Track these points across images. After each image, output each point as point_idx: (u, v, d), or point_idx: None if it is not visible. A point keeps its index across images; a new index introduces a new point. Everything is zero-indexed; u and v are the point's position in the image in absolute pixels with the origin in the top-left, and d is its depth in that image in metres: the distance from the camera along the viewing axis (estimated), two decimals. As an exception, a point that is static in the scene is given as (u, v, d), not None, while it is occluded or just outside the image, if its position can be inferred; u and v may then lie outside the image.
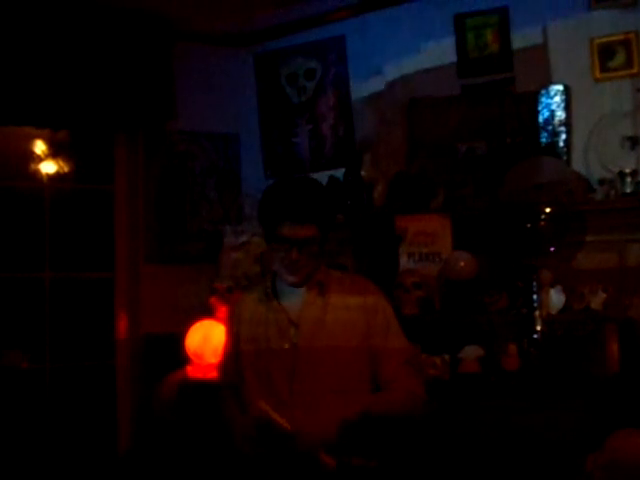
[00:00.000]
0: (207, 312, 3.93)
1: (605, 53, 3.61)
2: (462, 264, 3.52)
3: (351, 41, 4.28)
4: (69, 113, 4.06)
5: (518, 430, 2.96)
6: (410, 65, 4.06)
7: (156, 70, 4.27)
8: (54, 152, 4.34)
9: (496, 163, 3.74)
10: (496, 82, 3.87)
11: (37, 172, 4.32)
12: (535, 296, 3.27)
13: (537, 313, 3.25)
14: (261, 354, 2.46)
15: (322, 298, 2.48)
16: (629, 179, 3.40)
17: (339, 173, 4.07)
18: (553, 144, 3.69)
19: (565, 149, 3.68)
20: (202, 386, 3.59)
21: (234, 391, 2.55)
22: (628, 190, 3.40)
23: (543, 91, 3.72)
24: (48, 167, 4.34)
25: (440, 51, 4.00)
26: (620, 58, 3.58)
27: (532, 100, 3.73)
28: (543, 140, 3.70)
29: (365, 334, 2.45)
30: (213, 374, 3.53)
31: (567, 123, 3.69)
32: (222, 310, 3.78)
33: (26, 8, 3.94)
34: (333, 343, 2.41)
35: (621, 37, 3.57)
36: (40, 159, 4.32)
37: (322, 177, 4.06)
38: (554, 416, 2.94)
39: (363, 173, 3.90)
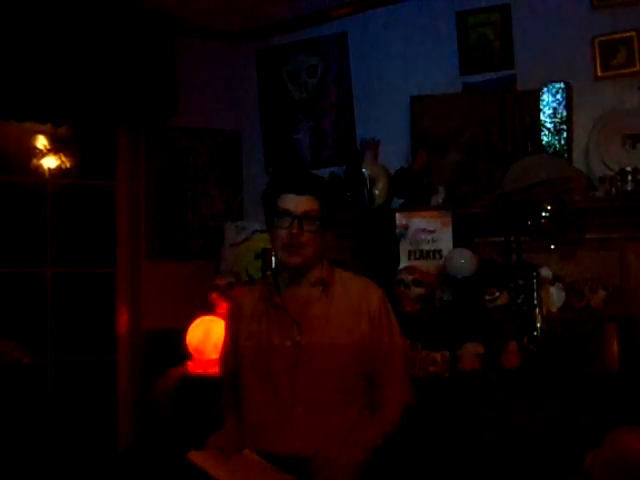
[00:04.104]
0: (208, 308, 3.93)
1: (607, 51, 3.61)
2: (462, 261, 3.52)
3: (353, 38, 4.28)
4: (71, 108, 4.05)
5: (517, 427, 2.96)
6: (412, 62, 4.07)
7: (158, 66, 4.27)
8: (56, 147, 4.34)
9: (497, 160, 3.74)
10: (497, 80, 3.87)
11: (39, 167, 4.33)
12: (535, 294, 3.27)
13: (537, 311, 3.25)
14: (262, 351, 2.46)
15: (325, 296, 2.48)
16: (630, 177, 3.40)
17: (340, 170, 4.08)
18: (554, 142, 3.69)
19: (566, 147, 3.68)
20: (202, 382, 3.59)
21: (233, 388, 2.55)
22: (629, 188, 3.40)
23: (545, 89, 3.72)
24: (50, 162, 4.34)
25: (442, 48, 4.00)
26: (621, 56, 3.59)
27: (534, 98, 3.73)
28: (544, 138, 3.70)
29: (367, 334, 2.46)
30: (214, 370, 3.54)
31: (568, 121, 3.69)
32: (223, 306, 3.79)
33: (27, 2, 3.94)
34: (336, 342, 2.42)
35: (622, 35, 3.58)
36: (42, 154, 4.32)
37: (323, 173, 4.07)
38: (553, 414, 2.94)
39: (364, 170, 3.90)
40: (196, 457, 2.30)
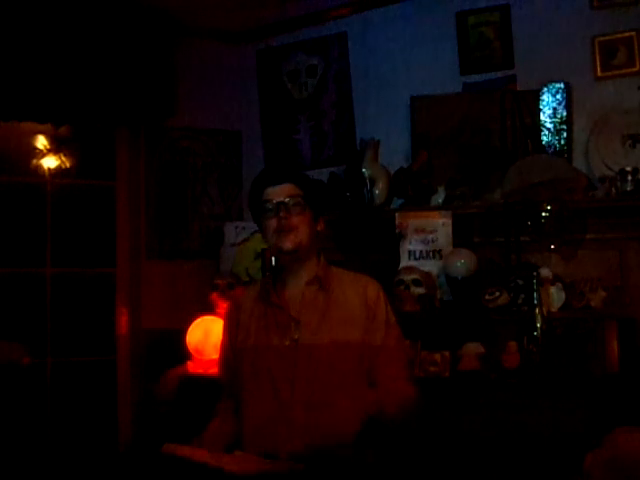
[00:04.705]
0: (208, 308, 3.93)
1: (607, 51, 3.62)
2: (462, 261, 3.52)
3: (353, 38, 4.28)
4: (71, 109, 4.06)
5: (517, 428, 2.96)
6: (412, 62, 4.07)
7: (158, 66, 4.27)
8: (56, 147, 4.34)
9: (497, 160, 3.74)
10: (497, 80, 3.87)
11: (39, 167, 4.33)
12: (535, 294, 3.27)
13: (537, 311, 3.25)
14: (261, 351, 2.45)
15: (323, 294, 2.47)
16: (630, 177, 3.40)
17: (340, 170, 4.08)
18: (554, 142, 3.69)
19: (566, 147, 3.69)
20: (202, 382, 3.59)
21: (233, 394, 2.55)
22: (629, 188, 3.40)
23: (544, 89, 3.72)
24: (50, 162, 4.34)
25: (442, 48, 4.00)
26: (622, 56, 3.59)
27: (533, 98, 3.73)
28: (544, 138, 3.71)
29: (365, 331, 2.45)
30: (214, 370, 3.54)
31: (568, 121, 3.69)
32: (223, 306, 3.79)
33: (28, 3, 3.94)
34: (335, 339, 2.41)
35: (622, 35, 3.58)
36: (42, 154, 4.32)
37: (323, 174, 4.08)
38: (553, 414, 2.94)
39: (364, 170, 3.90)
40: (173, 449, 2.27)
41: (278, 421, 2.37)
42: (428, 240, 3.67)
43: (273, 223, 2.44)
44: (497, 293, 3.41)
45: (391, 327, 2.51)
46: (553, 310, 3.35)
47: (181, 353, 3.85)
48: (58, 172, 4.36)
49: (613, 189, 3.45)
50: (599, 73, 3.65)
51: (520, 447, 2.91)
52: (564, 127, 3.69)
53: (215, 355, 3.52)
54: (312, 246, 2.50)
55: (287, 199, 2.43)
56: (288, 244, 2.44)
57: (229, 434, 2.47)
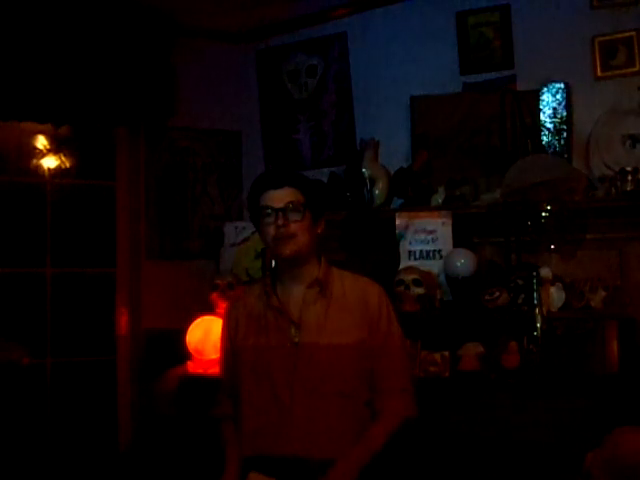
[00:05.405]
0: (208, 308, 3.93)
1: (606, 51, 3.62)
2: (462, 261, 3.52)
3: (353, 38, 4.28)
4: (71, 109, 4.06)
5: (517, 428, 2.96)
6: (412, 62, 4.07)
7: (158, 66, 4.27)
8: (55, 147, 4.34)
9: (497, 160, 3.74)
10: (497, 80, 3.87)
11: (38, 167, 4.33)
12: (535, 294, 3.27)
13: (537, 311, 3.25)
14: (260, 352, 2.45)
15: (323, 296, 2.47)
16: (630, 177, 3.40)
17: (340, 170, 4.08)
18: (554, 142, 3.69)
19: (566, 147, 3.69)
20: (202, 382, 3.59)
21: (233, 394, 2.55)
22: (629, 188, 3.40)
23: (544, 89, 3.72)
24: (49, 162, 4.34)
25: (442, 48, 4.00)
26: (621, 56, 3.59)
27: (533, 98, 3.73)
28: (544, 138, 3.70)
29: (366, 334, 2.45)
30: (214, 370, 3.54)
31: (568, 121, 3.69)
32: (223, 306, 3.79)
33: (28, 4, 3.94)
34: (335, 343, 2.41)
35: (623, 35, 3.58)
36: (41, 154, 4.33)
37: (323, 174, 4.08)
38: (553, 414, 2.94)
39: (364, 170, 3.90)
40: None
41: (277, 423, 2.37)
42: (428, 240, 3.67)
43: (271, 230, 2.42)
44: (497, 293, 3.40)
45: (393, 330, 2.52)
46: (553, 310, 3.34)
47: (181, 353, 3.85)
48: (58, 172, 4.36)
49: (613, 189, 3.45)
50: (599, 73, 3.65)
51: (520, 447, 2.91)
52: (564, 127, 3.69)
53: (215, 355, 3.53)
54: (312, 250, 2.49)
55: (286, 205, 2.42)
56: (287, 251, 2.43)
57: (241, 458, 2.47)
